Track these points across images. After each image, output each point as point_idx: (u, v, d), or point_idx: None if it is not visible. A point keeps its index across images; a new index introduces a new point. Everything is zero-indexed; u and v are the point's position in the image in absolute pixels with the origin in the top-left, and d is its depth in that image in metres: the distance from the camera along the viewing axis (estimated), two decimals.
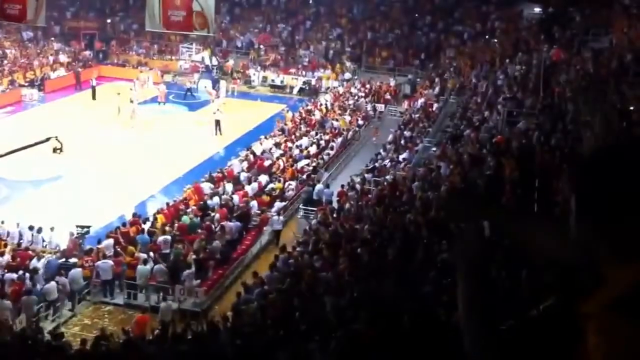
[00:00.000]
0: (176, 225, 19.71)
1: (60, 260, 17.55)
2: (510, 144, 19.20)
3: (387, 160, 24.04)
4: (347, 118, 30.01)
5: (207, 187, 22.55)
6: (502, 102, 24.75)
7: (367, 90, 34.77)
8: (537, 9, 39.42)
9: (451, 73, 34.52)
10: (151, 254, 17.92)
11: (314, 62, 40.63)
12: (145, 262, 17.52)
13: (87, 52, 43.35)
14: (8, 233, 19.32)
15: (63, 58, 41.69)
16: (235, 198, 21.52)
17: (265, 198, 21.70)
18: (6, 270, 16.82)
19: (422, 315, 9.94)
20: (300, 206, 22.15)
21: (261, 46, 43.11)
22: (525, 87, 25.60)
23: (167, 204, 21.57)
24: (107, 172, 25.39)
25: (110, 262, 17.12)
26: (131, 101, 32.31)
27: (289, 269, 17.08)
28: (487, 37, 39.11)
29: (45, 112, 33.96)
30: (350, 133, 28.65)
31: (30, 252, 17.93)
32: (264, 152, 25.87)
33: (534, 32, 35.32)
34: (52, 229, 19.33)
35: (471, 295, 1.73)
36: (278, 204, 21.43)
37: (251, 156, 25.41)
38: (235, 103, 33.75)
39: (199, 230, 19.38)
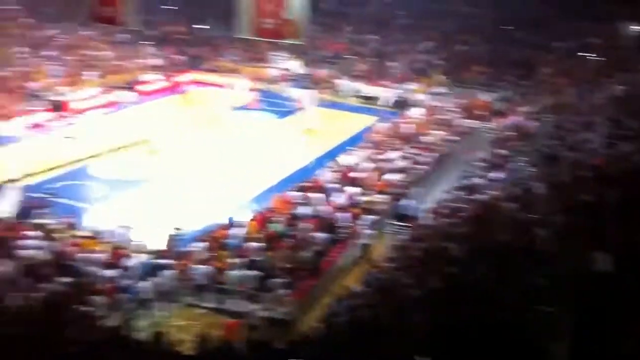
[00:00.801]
0: (266, 233, 19.79)
1: (154, 261, 17.78)
2: (612, 167, 18.52)
3: (480, 179, 23.52)
4: (439, 133, 29.59)
5: (296, 196, 22.56)
6: (602, 122, 23.95)
7: (459, 105, 34.22)
8: (637, 27, 38.18)
9: (547, 90, 33.65)
10: (242, 259, 18.01)
11: (405, 74, 40.31)
12: (235, 267, 17.64)
13: (181, 57, 44.31)
14: (104, 232, 19.78)
15: (157, 62, 42.75)
16: (324, 209, 21.46)
17: (354, 211, 21.52)
18: (101, 268, 17.18)
19: (512, 341, 9.69)
20: (390, 221, 21.90)
21: (351, 56, 43.11)
22: (628, 107, 24.71)
23: (258, 211, 21.69)
24: (200, 176, 25.79)
25: (205, 266, 17.27)
26: (222, 107, 32.76)
27: (378, 284, 16.93)
28: (584, 53, 38.03)
29: (139, 114, 34.81)
30: (442, 149, 28.20)
31: (125, 251, 18.26)
32: (353, 164, 25.74)
33: (633, 50, 34.18)
34: (146, 229, 19.69)
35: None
36: (367, 218, 21.22)
37: (341, 168, 25.32)
38: (324, 113, 33.74)
39: (288, 240, 19.39)
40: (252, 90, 38.22)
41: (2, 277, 15.92)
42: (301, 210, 21.33)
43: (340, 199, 22.36)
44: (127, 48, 43.38)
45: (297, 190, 23.05)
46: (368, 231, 20.58)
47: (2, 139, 28.63)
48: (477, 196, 21.28)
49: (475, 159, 26.52)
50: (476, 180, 23.40)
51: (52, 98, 33.84)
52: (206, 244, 18.80)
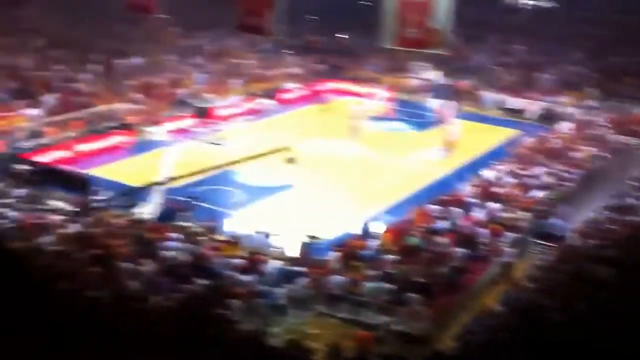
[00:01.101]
0: (401, 245, 19.41)
1: (289, 268, 17.82)
2: None
3: (634, 199, 22.06)
4: (589, 149, 28.10)
5: (434, 210, 22.04)
6: None
7: (611, 120, 32.41)
8: None
9: None
10: (377, 271, 17.72)
11: (553, 86, 38.73)
12: (370, 279, 17.37)
13: (321, 66, 44.77)
14: (242, 236, 20.08)
15: (297, 71, 43.40)
16: (464, 224, 20.81)
17: (496, 227, 20.71)
18: (239, 273, 17.39)
19: None
20: (533, 239, 20.93)
21: (495, 67, 41.99)
22: None
23: (394, 223, 21.37)
24: (337, 185, 25.80)
25: (341, 277, 17.11)
26: (360, 117, 32.72)
27: (517, 305, 16.16)
28: None
29: (279, 122, 35.38)
30: (591, 165, 26.73)
31: (261, 256, 18.42)
32: (496, 178, 24.88)
33: None
34: (282, 236, 19.81)
35: None
36: (509, 235, 20.37)
37: (482, 182, 24.54)
38: (466, 125, 32.97)
39: (425, 254, 18.91)
40: (391, 100, 37.98)
41: (145, 277, 16.44)
42: (439, 224, 20.80)
43: (480, 214, 21.63)
44: (270, 57, 44.33)
45: (435, 203, 22.52)
46: (509, 249, 19.74)
47: (150, 144, 29.89)
48: (630, 217, 19.94)
49: (628, 178, 24.94)
50: (629, 201, 21.97)
51: (198, 105, 35.01)
52: (340, 253, 18.63)
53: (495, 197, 22.92)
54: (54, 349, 7.62)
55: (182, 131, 31.90)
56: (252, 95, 38.49)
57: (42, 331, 8.05)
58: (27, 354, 7.43)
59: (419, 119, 36.28)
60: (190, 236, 19.51)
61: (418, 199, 24.23)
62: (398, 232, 20.41)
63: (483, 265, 19.03)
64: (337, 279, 17.23)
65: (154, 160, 25.78)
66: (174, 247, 18.32)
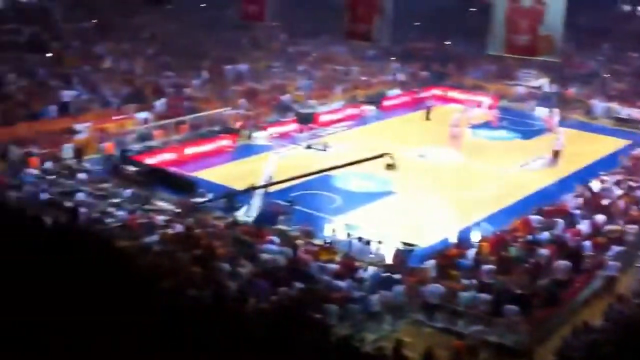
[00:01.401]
0: (500, 255, 19.04)
1: (384, 274, 17.80)
2: None
3: None
4: None
5: (536, 220, 21.51)
6: None
7: None
8: None
9: None
10: (474, 281, 17.45)
11: None
12: (467, 289, 17.13)
13: (425, 73, 44.51)
14: (339, 242, 20.22)
15: (401, 77, 43.31)
16: (567, 236, 20.21)
17: (601, 240, 19.99)
18: (334, 278, 17.51)
19: None
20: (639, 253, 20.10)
21: (606, 75, 40.54)
22: None
23: (494, 232, 20.98)
24: (436, 193, 25.58)
25: (440, 286, 16.95)
26: (463, 124, 32.34)
27: (621, 320, 15.59)
28: None
29: (381, 128, 35.39)
30: None
31: (358, 262, 18.49)
32: (603, 190, 24.03)
33: None
34: (379, 242, 19.81)
35: None
36: (615, 248, 19.60)
37: (588, 193, 23.74)
38: (573, 134, 32.02)
39: (525, 265, 18.47)
40: (495, 108, 37.31)
41: (245, 278, 16.82)
42: (541, 234, 20.29)
43: (584, 225, 20.94)
44: (374, 63, 44.43)
45: (538, 214, 21.97)
46: (613, 262, 19.00)
47: (253, 148, 30.56)
48: None
49: None
50: None
51: (302, 110, 35.51)
52: (438, 261, 18.45)
53: (601, 209, 22.12)
54: (153, 346, 7.93)
55: (284, 136, 32.44)
56: (355, 102, 38.71)
57: (144, 328, 8.40)
58: (129, 350, 7.76)
59: (524, 127, 35.48)
60: (288, 240, 19.83)
61: (520, 208, 23.70)
62: (497, 241, 20.04)
63: (585, 278, 18.41)
64: (433, 287, 17.08)
65: (256, 164, 26.35)
66: (272, 250, 18.65)
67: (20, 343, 7.15)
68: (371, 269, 18.14)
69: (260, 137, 31.80)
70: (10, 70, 30.03)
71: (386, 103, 39.44)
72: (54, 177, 24.38)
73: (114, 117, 30.92)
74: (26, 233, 12.96)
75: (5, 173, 23.73)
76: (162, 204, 23.25)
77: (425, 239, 21.17)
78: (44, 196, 21.93)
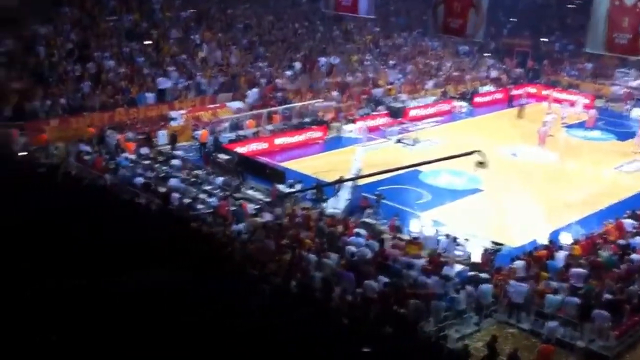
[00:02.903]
0: (591, 259, 18.56)
1: (471, 273, 17.65)
2: None
3: None
4: None
5: (630, 224, 20.87)
6: None
7: None
8: None
9: None
10: (563, 284, 17.09)
11: None
12: (556, 292, 16.79)
13: (519, 70, 43.69)
14: (426, 237, 20.15)
15: (494, 74, 42.63)
16: None
17: None
18: (420, 273, 17.46)
19: None
20: None
21: None
22: None
23: (585, 235, 20.48)
24: (526, 192, 25.13)
25: (527, 285, 16.69)
26: (556, 124, 31.66)
27: None
28: None
29: (472, 125, 34.97)
30: None
31: (444, 259, 18.39)
32: None
33: None
34: (466, 240, 19.65)
35: None
36: None
37: None
38: None
39: (616, 270, 17.94)
40: (591, 108, 36.28)
41: (330, 270, 16.98)
42: (634, 239, 19.67)
43: None
44: (467, 59, 43.90)
45: (631, 218, 21.31)
46: None
47: (343, 141, 30.74)
48: None
49: None
50: None
51: (392, 104, 35.47)
52: (526, 262, 18.15)
53: None
54: (240, 332, 8.12)
55: (374, 130, 32.48)
56: (447, 97, 38.37)
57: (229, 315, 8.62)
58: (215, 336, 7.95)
59: (620, 128, 34.37)
60: (375, 233, 19.89)
61: (613, 212, 23.00)
62: (589, 245, 19.56)
63: None
64: (519, 286, 16.80)
65: (345, 156, 26.51)
66: (358, 243, 18.75)
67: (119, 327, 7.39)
68: (457, 267, 18.01)
69: (350, 130, 31.96)
70: (111, 57, 31.11)
71: (478, 99, 38.94)
72: (148, 162, 25.19)
73: (208, 106, 31.68)
74: (121, 215, 13.48)
75: (102, 157, 24.63)
76: (252, 193, 23.72)
77: (513, 239, 20.88)
78: (139, 180, 22.67)
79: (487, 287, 16.88)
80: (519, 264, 18.03)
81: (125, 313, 7.32)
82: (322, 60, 38.21)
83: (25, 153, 23.54)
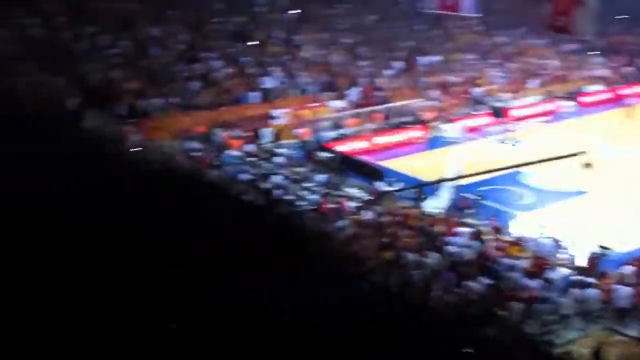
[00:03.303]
0: None
1: (576, 277, 17.23)
2: None
3: None
4: None
5: None
6: None
7: None
8: None
9: None
10: None
11: None
12: None
13: (628, 68, 42.14)
14: (528, 239, 19.80)
15: (602, 72, 41.28)
16: None
17: None
18: (522, 276, 17.20)
19: None
20: None
21: None
22: None
23: None
24: (634, 195, 24.26)
25: (630, 288, 16.18)
26: None
27: None
28: None
29: (578, 125, 34.01)
30: None
31: (548, 262, 18.03)
32: None
33: None
34: (572, 243, 19.19)
35: None
36: None
37: None
38: None
39: None
40: None
41: (429, 269, 16.98)
42: None
43: None
44: (573, 58, 42.68)
45: None
46: None
47: (443, 140, 30.54)
48: None
49: None
50: None
51: (494, 104, 34.95)
52: (635, 268, 17.57)
53: None
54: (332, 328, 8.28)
55: (475, 129, 32.12)
56: (551, 97, 37.46)
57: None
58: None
59: None
60: (475, 234, 19.72)
61: None
62: None
63: None
64: (627, 291, 16.28)
65: (445, 156, 26.34)
66: (458, 243, 18.64)
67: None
68: (561, 270, 17.62)
69: (450, 130, 31.71)
70: (217, 58, 32.03)
71: (584, 99, 37.82)
72: (252, 159, 25.82)
73: (309, 105, 32.14)
74: (228, 209, 13.93)
75: (208, 153, 25.41)
76: (351, 191, 23.92)
77: (620, 244, 20.22)
78: (243, 177, 23.27)
79: (593, 291, 16.44)
80: (627, 269, 17.48)
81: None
82: (423, 59, 38.04)
83: (138, 149, 24.55)
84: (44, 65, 26.59)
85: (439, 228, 19.93)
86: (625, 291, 16.24)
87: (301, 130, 29.19)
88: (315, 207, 21.34)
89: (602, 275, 17.42)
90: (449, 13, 30.88)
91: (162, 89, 29.06)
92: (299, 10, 37.88)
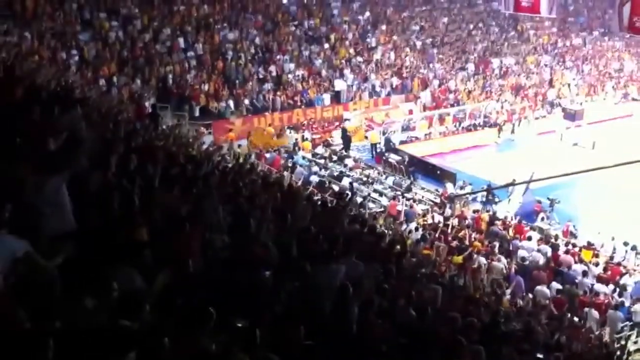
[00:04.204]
0: None
1: None
2: None
3: None
4: None
5: None
6: None
7: None
8: None
9: None
10: None
11: None
12: None
13: None
14: (603, 245, 19.50)
15: None
16: None
17: None
18: (595, 281, 16.98)
19: None
20: None
21: None
22: None
23: None
24: None
25: None
26: None
27: None
28: None
29: None
30: None
31: (622, 268, 17.75)
32: None
33: None
34: None
35: None
36: None
37: None
38: None
39: None
40: None
41: (500, 273, 16.90)
42: None
43: None
44: None
45: None
46: None
47: (516, 143, 30.24)
48: None
49: None
50: None
51: (568, 106, 34.37)
52: None
53: None
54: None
55: (550, 132, 31.67)
56: (627, 99, 36.60)
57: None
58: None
59: None
60: (547, 238, 19.53)
61: None
62: None
63: None
64: None
65: (517, 159, 26.09)
66: (530, 248, 18.50)
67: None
68: (638, 276, 17.32)
69: (523, 133, 31.38)
70: (291, 60, 32.43)
71: None
72: (323, 161, 26.09)
73: (381, 107, 32.28)
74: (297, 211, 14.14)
75: (281, 155, 25.79)
76: (422, 193, 23.96)
77: None
78: (314, 178, 23.55)
79: None
80: None
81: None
82: (496, 61, 37.69)
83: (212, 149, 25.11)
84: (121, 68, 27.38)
85: (510, 232, 19.82)
86: None
87: (372, 133, 29.33)
88: (385, 209, 21.48)
89: None
90: (527, 14, 30.39)
91: (236, 91, 29.59)
92: (370, 13, 37.94)
